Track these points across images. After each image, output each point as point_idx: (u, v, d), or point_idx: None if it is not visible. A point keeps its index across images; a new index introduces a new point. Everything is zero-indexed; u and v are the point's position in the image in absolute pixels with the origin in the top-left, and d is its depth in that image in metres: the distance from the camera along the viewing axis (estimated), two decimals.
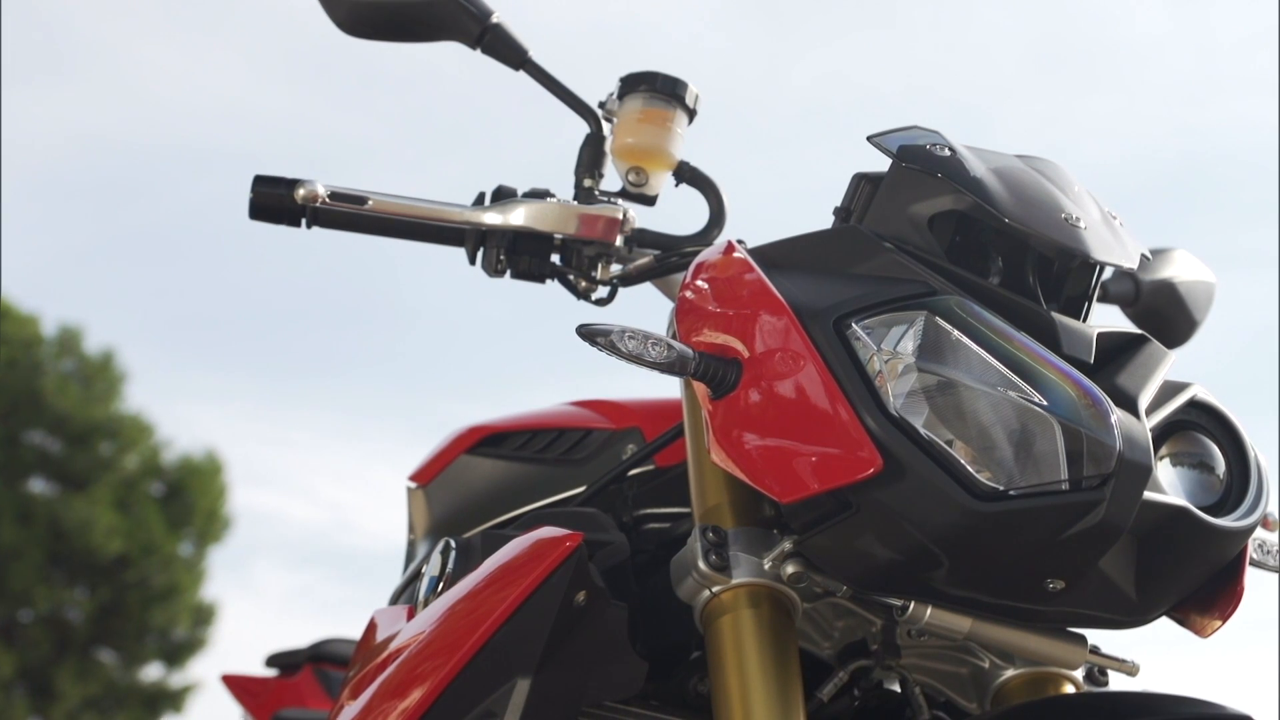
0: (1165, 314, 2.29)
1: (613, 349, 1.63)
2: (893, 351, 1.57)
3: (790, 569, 1.71)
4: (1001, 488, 1.53)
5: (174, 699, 22.94)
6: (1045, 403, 1.55)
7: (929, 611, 1.68)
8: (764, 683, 1.69)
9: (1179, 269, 2.29)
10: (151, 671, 23.07)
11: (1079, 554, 1.57)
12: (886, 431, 1.54)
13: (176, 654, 23.04)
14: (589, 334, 1.64)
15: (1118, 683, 1.91)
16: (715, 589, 1.74)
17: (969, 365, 1.56)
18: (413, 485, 2.44)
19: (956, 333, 1.58)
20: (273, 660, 3.37)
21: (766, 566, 1.73)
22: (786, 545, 1.71)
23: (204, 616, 23.34)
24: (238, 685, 3.35)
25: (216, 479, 23.56)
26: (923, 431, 1.54)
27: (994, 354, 1.57)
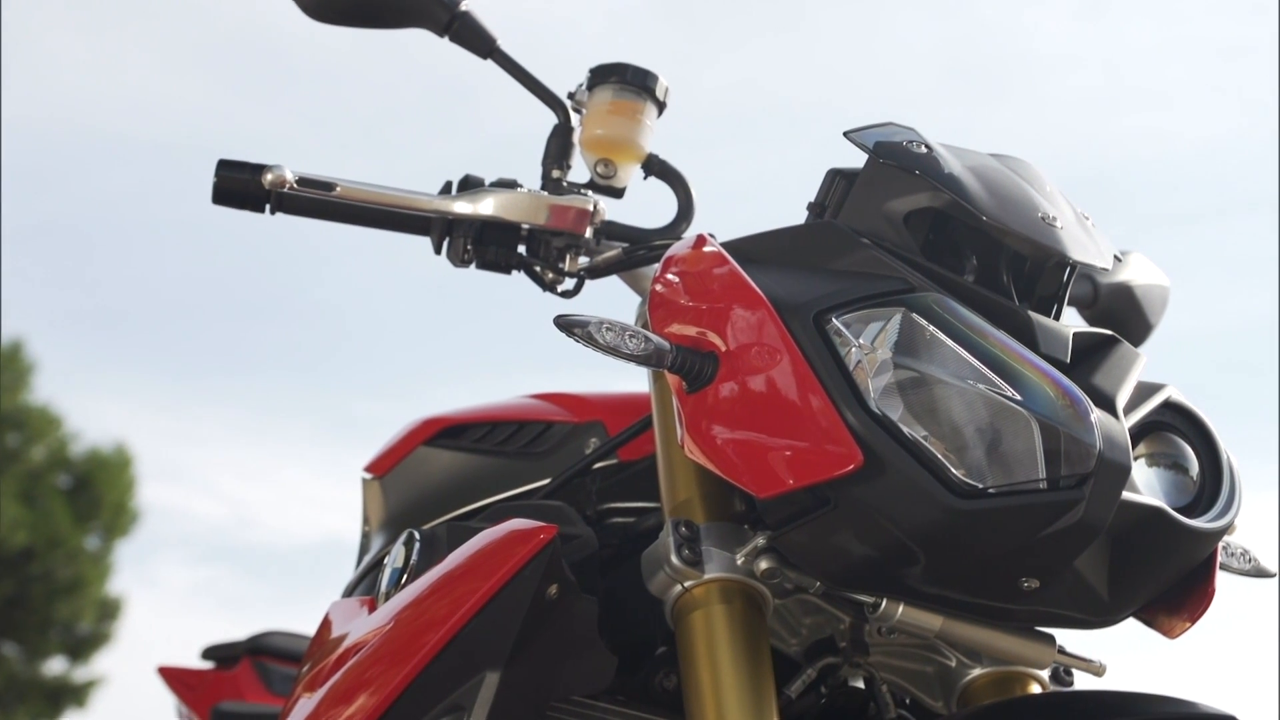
0: (1122, 317, 2.30)
1: (590, 340, 1.61)
2: (872, 347, 1.57)
3: (764, 565, 1.71)
4: (980, 486, 1.52)
5: (77, 694, 22.65)
6: (1025, 401, 1.55)
7: (900, 609, 1.67)
8: (736, 679, 1.68)
9: (1135, 272, 2.30)
10: (54, 666, 22.79)
11: (1056, 553, 1.57)
12: (867, 427, 1.53)
13: (81, 648, 22.75)
14: (566, 325, 1.62)
15: (1084, 682, 1.91)
16: (687, 584, 1.73)
17: (948, 362, 1.56)
18: (368, 476, 2.41)
19: (935, 330, 1.58)
20: (209, 653, 3.33)
21: (739, 562, 1.72)
22: (760, 541, 1.71)
23: (109, 611, 23.06)
24: (174, 677, 3.30)
25: (125, 472, 23.28)
26: (903, 428, 1.53)
27: (973, 351, 1.57)
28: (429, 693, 1.70)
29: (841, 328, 1.58)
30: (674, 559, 1.73)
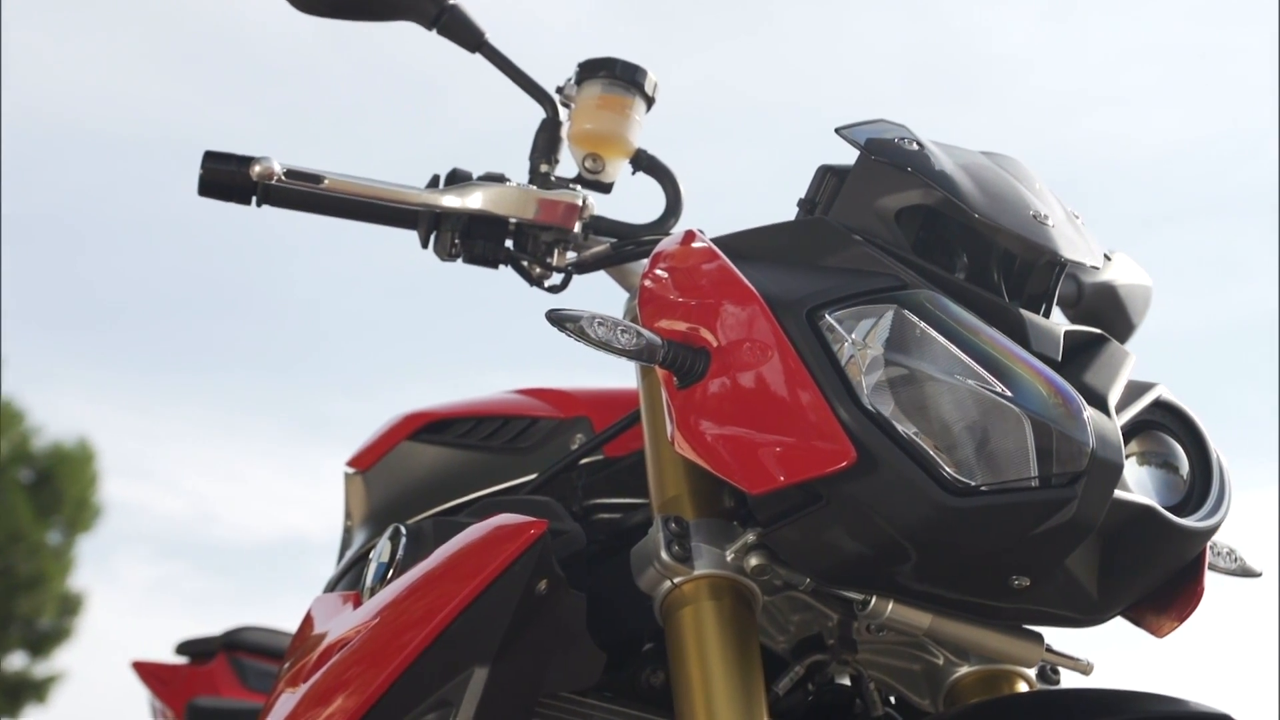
0: (1105, 316, 2.30)
1: (581, 335, 1.61)
2: (865, 344, 1.56)
3: (754, 561, 1.70)
4: (973, 483, 1.52)
5: (38, 689, 22.58)
6: (1018, 399, 1.54)
7: (890, 606, 1.67)
8: (726, 675, 1.68)
9: (1118, 272, 2.30)
10: (15, 661, 22.69)
11: (1047, 551, 1.57)
12: (860, 424, 1.53)
13: (41, 644, 22.67)
14: (558, 319, 1.61)
15: (1071, 681, 1.91)
16: (677, 580, 1.72)
17: (941, 359, 1.56)
18: (350, 471, 2.40)
19: (928, 327, 1.57)
20: (184, 648, 3.32)
21: (729, 558, 1.72)
22: (750, 537, 1.70)
23: (70, 606, 22.98)
24: (148, 672, 3.29)
25: (88, 467, 23.21)
26: (896, 425, 1.53)
27: (966, 349, 1.56)
28: (416, 687, 1.69)
29: (834, 324, 1.58)
30: (664, 555, 1.72)
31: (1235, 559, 1.92)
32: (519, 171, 2.17)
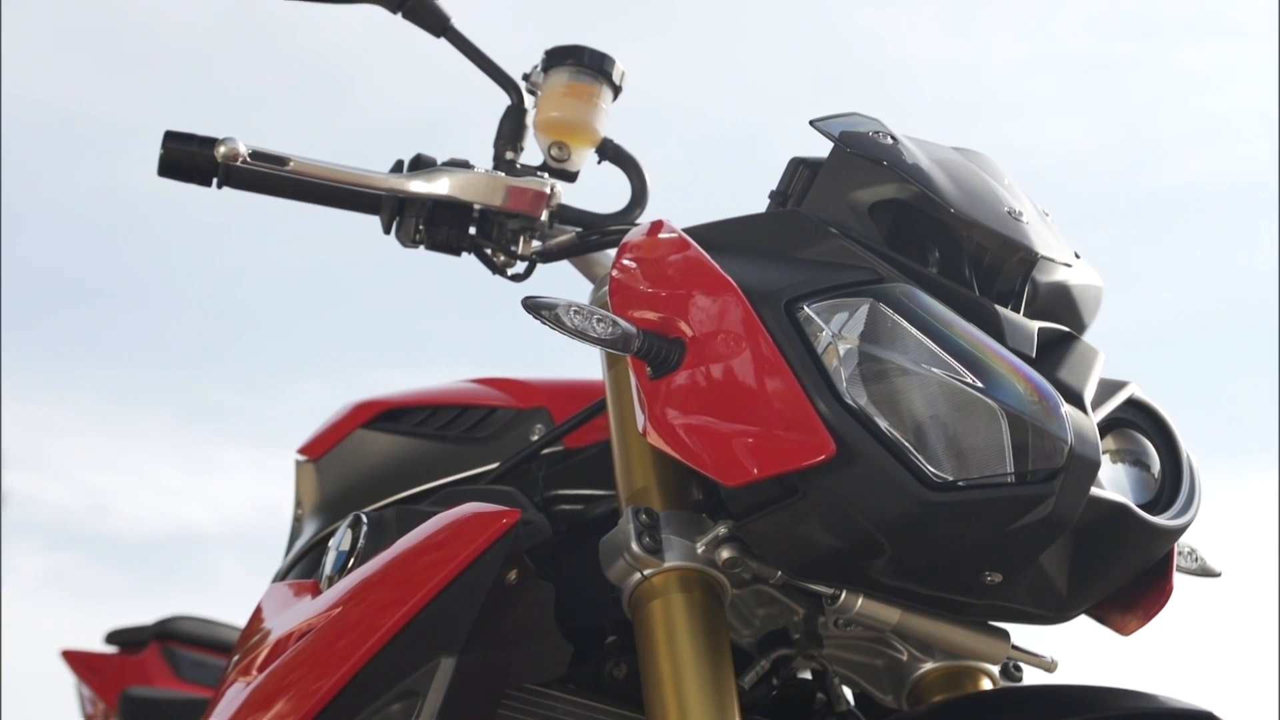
0: (1058, 316, 2.31)
1: (557, 323, 1.59)
2: (844, 337, 1.55)
3: (726, 554, 1.69)
4: (952, 478, 1.52)
5: None
6: (997, 394, 1.54)
7: (860, 601, 1.66)
8: (697, 668, 1.66)
9: (1072, 272, 2.31)
10: None
11: (1022, 547, 1.57)
12: (839, 417, 1.52)
13: None
14: (533, 307, 1.60)
15: (1033, 678, 1.91)
16: (647, 572, 1.70)
17: (920, 354, 1.55)
18: (302, 459, 2.37)
19: (907, 321, 1.57)
20: (114, 637, 3.27)
21: (700, 550, 1.70)
22: (721, 530, 1.69)
23: None
24: (79, 661, 3.24)
25: None
26: (876, 419, 1.53)
27: (943, 344, 1.56)
28: (382, 677, 1.67)
29: (814, 316, 1.57)
30: (634, 546, 1.70)
31: (1196, 559, 1.93)
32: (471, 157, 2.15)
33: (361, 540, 1.85)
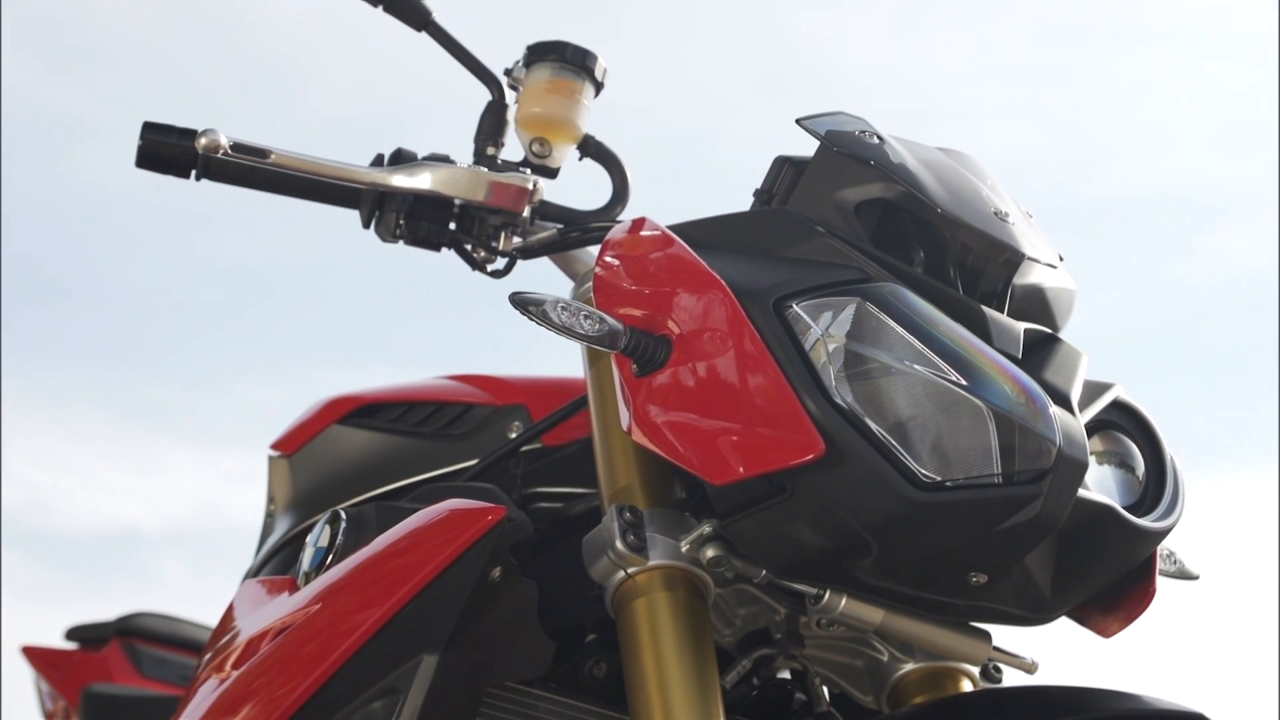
0: (1032, 318, 2.32)
1: (544, 319, 1.58)
2: (833, 336, 1.55)
3: (711, 552, 1.68)
4: (940, 478, 1.52)
5: None
6: (985, 395, 1.54)
7: (844, 601, 1.66)
8: (681, 667, 1.66)
9: (1043, 275, 2.32)
10: None
11: (1009, 548, 1.57)
12: (828, 416, 1.51)
13: None
14: (521, 303, 1.59)
15: (1013, 679, 1.91)
16: (631, 570, 1.69)
17: (908, 354, 1.55)
18: (275, 454, 2.35)
19: (895, 321, 1.57)
20: (74, 633, 3.24)
21: (684, 549, 1.70)
22: (706, 529, 1.68)
23: None
24: (39, 657, 3.21)
25: None
26: (865, 419, 1.52)
27: (931, 344, 1.56)
28: (362, 674, 1.65)
29: (802, 314, 1.56)
30: (618, 544, 1.69)
31: (1174, 561, 1.93)
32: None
33: (340, 536, 1.84)
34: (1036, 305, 1.84)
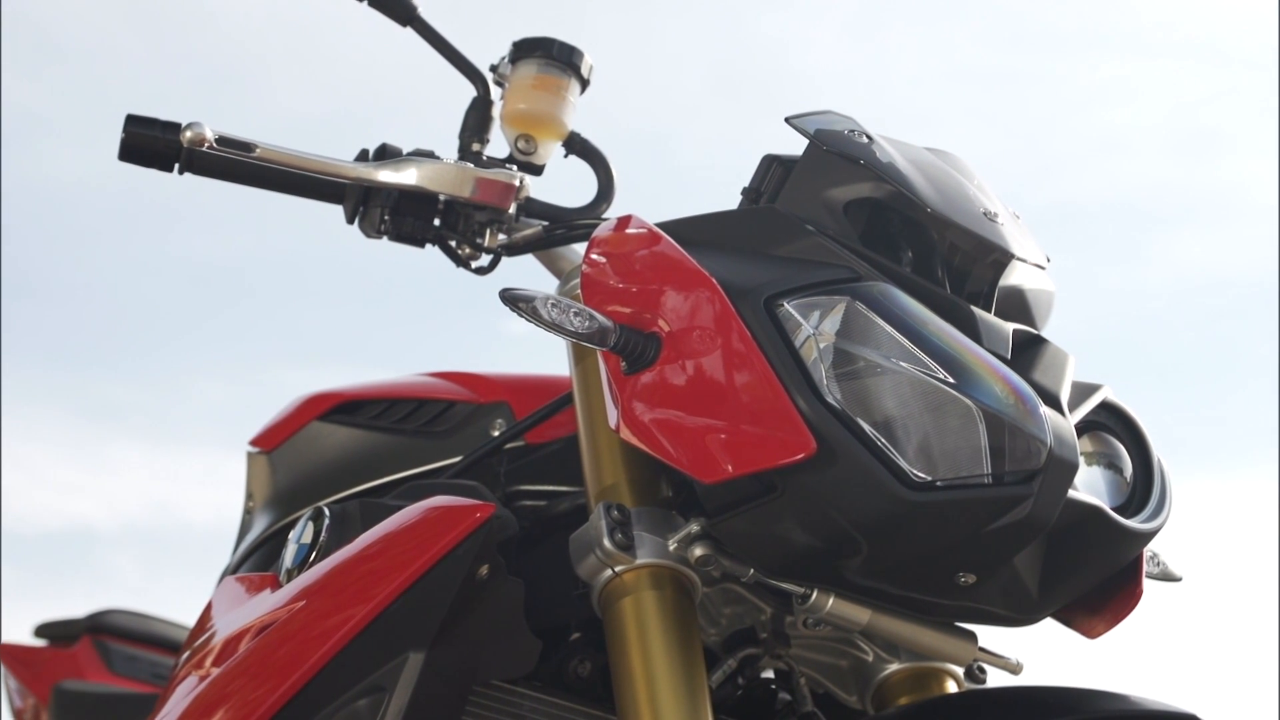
0: (1013, 319, 2.33)
1: (534, 316, 1.58)
2: (825, 334, 1.54)
3: (699, 551, 1.67)
4: (931, 478, 1.51)
5: None
6: (976, 394, 1.53)
7: (831, 601, 1.65)
8: (669, 666, 1.65)
9: (1024, 276, 2.32)
10: None
11: (998, 548, 1.57)
12: (820, 415, 1.51)
13: None
14: (511, 299, 1.58)
15: (997, 679, 1.91)
16: (618, 569, 1.69)
17: (899, 353, 1.55)
18: (254, 450, 2.33)
19: (885, 320, 1.56)
20: (44, 630, 3.22)
21: (672, 548, 1.69)
22: (694, 528, 1.67)
23: None
24: (8, 654, 3.18)
25: None
26: (856, 418, 1.52)
27: (922, 343, 1.55)
28: (348, 671, 1.64)
29: (794, 313, 1.56)
30: (606, 543, 1.68)
31: (1158, 563, 1.93)
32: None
33: (324, 533, 1.82)
34: (1017, 306, 1.84)
